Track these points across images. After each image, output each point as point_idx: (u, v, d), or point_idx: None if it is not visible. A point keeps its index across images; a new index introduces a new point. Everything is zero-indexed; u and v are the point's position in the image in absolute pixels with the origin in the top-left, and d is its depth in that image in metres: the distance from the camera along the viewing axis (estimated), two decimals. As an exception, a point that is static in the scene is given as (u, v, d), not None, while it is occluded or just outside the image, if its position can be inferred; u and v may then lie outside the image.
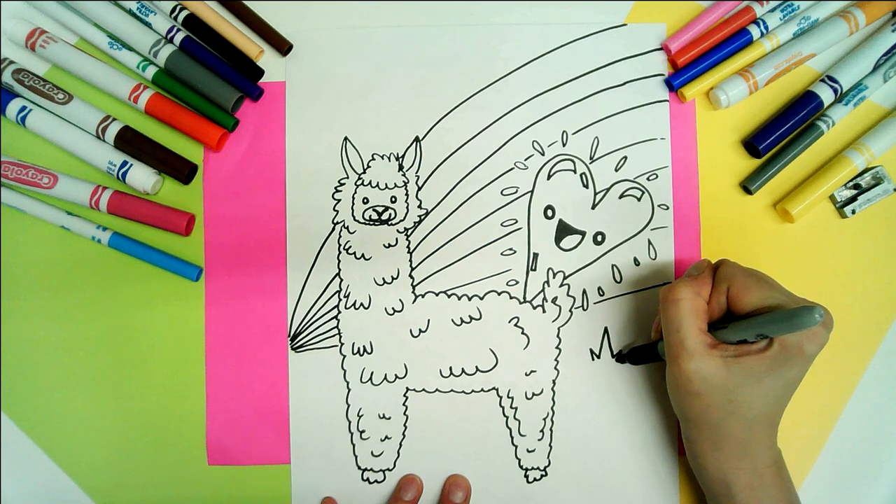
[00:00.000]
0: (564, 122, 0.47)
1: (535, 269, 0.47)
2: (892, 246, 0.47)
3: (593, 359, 0.46)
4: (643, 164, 0.47)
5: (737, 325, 0.37)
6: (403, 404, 0.46)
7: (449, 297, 0.46)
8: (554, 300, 0.46)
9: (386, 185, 0.47)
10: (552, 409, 0.46)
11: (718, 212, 0.47)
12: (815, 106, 0.46)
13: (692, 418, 0.39)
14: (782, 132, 0.46)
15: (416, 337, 0.46)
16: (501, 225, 0.47)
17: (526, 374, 0.46)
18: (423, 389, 0.46)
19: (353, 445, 0.46)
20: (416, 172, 0.47)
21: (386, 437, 0.46)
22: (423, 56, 0.48)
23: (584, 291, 0.47)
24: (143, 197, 0.47)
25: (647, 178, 0.47)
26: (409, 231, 0.47)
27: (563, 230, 0.47)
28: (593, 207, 0.47)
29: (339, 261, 0.47)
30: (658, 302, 0.40)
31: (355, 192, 0.47)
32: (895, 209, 0.47)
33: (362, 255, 0.46)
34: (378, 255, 0.46)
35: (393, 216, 0.47)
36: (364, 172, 0.47)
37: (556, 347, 0.46)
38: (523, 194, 0.47)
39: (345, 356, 0.46)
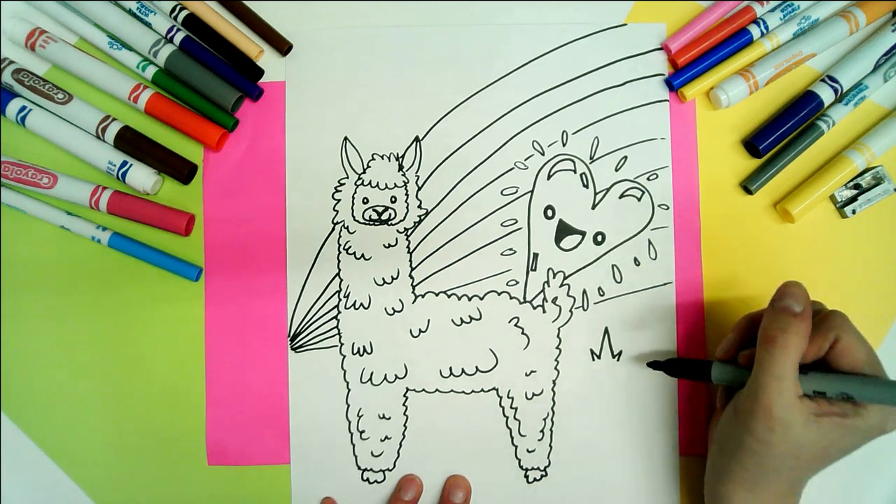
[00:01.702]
0: (564, 122, 0.47)
1: (535, 269, 0.47)
2: (892, 246, 0.47)
3: (593, 359, 0.46)
4: (643, 164, 0.47)
5: (823, 375, 0.35)
6: (403, 404, 0.46)
7: (449, 297, 0.46)
8: (554, 300, 0.46)
9: (386, 185, 0.47)
10: (552, 409, 0.46)
11: (718, 212, 0.47)
12: (816, 106, 0.46)
13: (742, 459, 0.37)
14: (782, 132, 0.46)
15: (416, 337, 0.46)
16: (501, 225, 0.47)
17: (526, 375, 0.46)
18: (423, 389, 0.46)
19: (353, 445, 0.46)
20: (416, 172, 0.47)
21: (386, 437, 0.46)
22: (423, 56, 0.48)
23: (584, 291, 0.47)
24: (142, 197, 0.47)
25: (647, 178, 0.47)
26: (409, 231, 0.47)
27: (563, 230, 0.47)
28: (593, 207, 0.47)
29: (339, 261, 0.47)
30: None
31: (355, 192, 0.47)
32: (895, 209, 0.47)
33: (362, 255, 0.46)
34: (378, 255, 0.46)
35: (393, 216, 0.47)
36: (364, 172, 0.47)
37: (556, 347, 0.46)
38: (523, 194, 0.47)
39: (345, 356, 0.46)
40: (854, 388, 0.35)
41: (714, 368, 0.40)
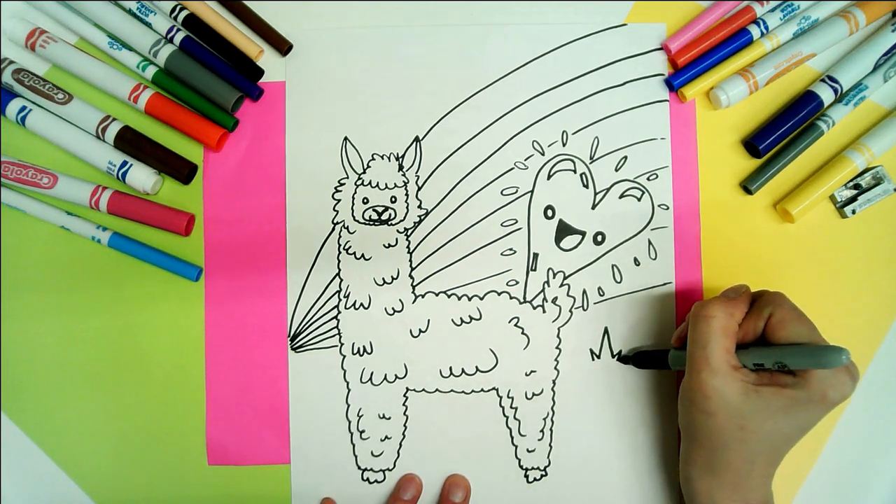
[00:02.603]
0: (564, 122, 0.47)
1: (535, 269, 0.47)
2: (892, 246, 0.47)
3: (593, 359, 0.46)
4: (643, 164, 0.47)
5: (759, 349, 0.37)
6: (403, 404, 0.46)
7: (449, 297, 0.46)
8: (554, 300, 0.46)
9: (386, 185, 0.47)
10: (552, 409, 0.46)
11: (718, 212, 0.47)
12: (816, 106, 0.46)
13: (697, 437, 0.39)
14: (782, 132, 0.46)
15: (416, 337, 0.46)
16: (501, 225, 0.47)
17: (526, 374, 0.46)
18: (423, 389, 0.46)
19: (353, 445, 0.46)
20: (416, 172, 0.47)
21: (386, 437, 0.46)
22: (423, 56, 0.48)
23: (584, 291, 0.47)
24: (143, 197, 0.47)
25: (647, 178, 0.47)
26: (409, 231, 0.47)
27: (563, 230, 0.47)
28: (593, 207, 0.47)
29: (339, 261, 0.47)
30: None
31: (355, 192, 0.47)
32: (895, 209, 0.47)
33: (362, 255, 0.46)
34: (378, 255, 0.46)
35: (393, 216, 0.47)
36: (364, 172, 0.47)
37: (556, 347, 0.46)
38: (523, 194, 0.47)
39: (345, 356, 0.46)
40: (786, 355, 0.36)
41: (670, 356, 0.42)
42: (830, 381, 0.36)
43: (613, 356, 0.46)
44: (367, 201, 0.47)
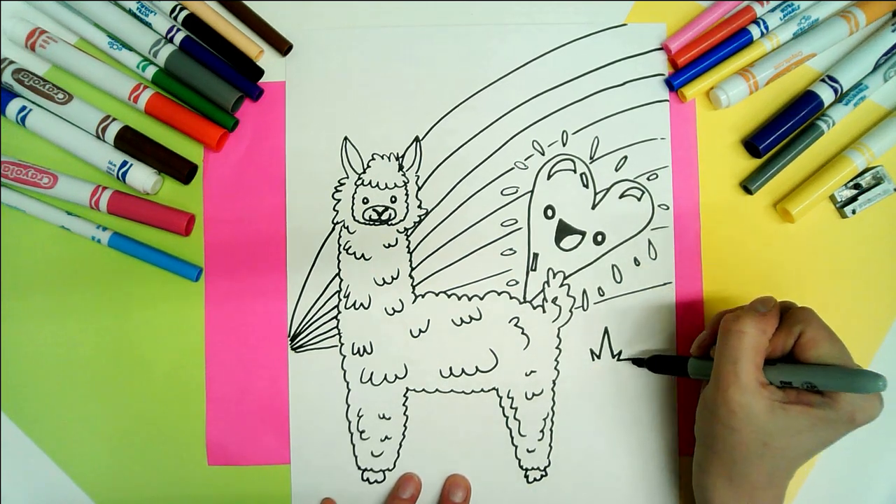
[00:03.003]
0: (564, 122, 0.47)
1: (535, 269, 0.47)
2: (892, 246, 0.47)
3: (593, 359, 0.46)
4: (643, 164, 0.47)
5: (787, 366, 0.37)
6: (403, 404, 0.46)
7: (449, 297, 0.46)
8: (554, 300, 0.46)
9: (386, 185, 0.47)
10: (552, 409, 0.46)
11: (718, 212, 0.47)
12: (816, 106, 0.46)
13: (718, 450, 0.38)
14: (782, 132, 0.46)
15: (416, 337, 0.46)
16: (501, 225, 0.47)
17: (526, 374, 0.46)
18: (423, 389, 0.46)
19: (353, 445, 0.46)
20: (416, 172, 0.47)
21: (386, 437, 0.46)
22: (423, 56, 0.48)
23: (584, 291, 0.47)
24: (143, 197, 0.47)
25: (647, 178, 0.47)
26: (409, 231, 0.47)
27: (563, 230, 0.47)
28: (593, 207, 0.47)
29: (339, 261, 0.47)
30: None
31: (355, 192, 0.47)
32: (895, 209, 0.47)
33: (362, 255, 0.46)
34: (378, 255, 0.46)
35: (393, 216, 0.47)
36: (364, 172, 0.47)
37: (556, 347, 0.46)
38: (523, 194, 0.47)
39: (345, 356, 0.46)
40: (817, 376, 0.35)
41: (690, 363, 0.42)
42: (860, 404, 0.35)
43: (614, 356, 0.46)
44: (367, 201, 0.47)
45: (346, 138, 0.47)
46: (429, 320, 0.46)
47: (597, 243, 0.47)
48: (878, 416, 0.36)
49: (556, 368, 0.46)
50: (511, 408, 0.46)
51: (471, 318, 0.46)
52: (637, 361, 0.46)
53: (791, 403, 0.36)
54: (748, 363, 0.37)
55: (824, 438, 0.37)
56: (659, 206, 0.47)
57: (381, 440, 0.46)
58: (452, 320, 0.46)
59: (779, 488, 0.38)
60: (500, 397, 0.46)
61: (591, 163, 0.47)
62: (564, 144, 0.47)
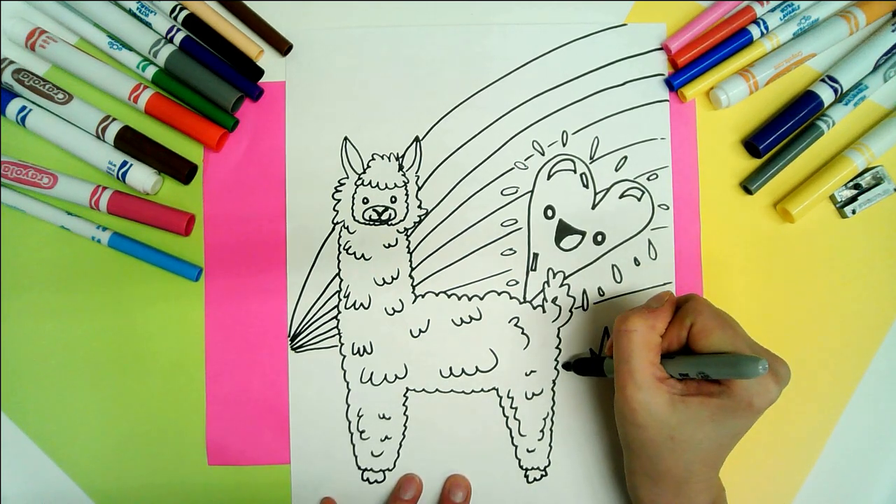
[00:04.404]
0: (564, 122, 0.47)
1: (535, 269, 0.47)
2: (892, 246, 0.47)
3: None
4: (643, 164, 0.47)
5: (682, 359, 0.37)
6: (403, 404, 0.46)
7: (449, 297, 0.46)
8: (554, 300, 0.46)
9: (386, 185, 0.47)
10: (552, 409, 0.46)
11: (718, 212, 0.47)
12: (816, 106, 0.46)
13: (633, 449, 0.39)
14: (782, 132, 0.46)
15: (416, 337, 0.46)
16: (501, 225, 0.47)
17: (526, 374, 0.46)
18: (423, 389, 0.46)
19: (353, 445, 0.46)
20: (416, 172, 0.47)
21: (386, 437, 0.46)
22: (423, 56, 0.48)
23: (584, 291, 0.47)
24: (143, 197, 0.47)
25: (647, 178, 0.47)
26: (409, 231, 0.47)
27: (563, 230, 0.47)
28: (593, 207, 0.47)
29: (339, 261, 0.47)
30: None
31: (355, 192, 0.47)
32: (895, 209, 0.47)
33: (362, 255, 0.46)
34: (378, 255, 0.46)
35: (393, 216, 0.47)
36: (364, 172, 0.47)
37: (556, 347, 0.46)
38: (523, 194, 0.47)
39: (345, 356, 0.46)
40: (708, 365, 0.35)
41: (605, 364, 0.42)
42: (755, 389, 0.35)
43: (561, 365, 0.46)
44: (367, 201, 0.47)
45: (346, 138, 0.47)
46: (429, 320, 0.46)
47: (597, 243, 0.47)
48: (777, 400, 0.35)
49: (556, 368, 0.46)
50: (511, 408, 0.46)
51: (471, 318, 0.46)
52: (566, 366, 0.46)
53: (691, 395, 0.36)
54: (640, 360, 0.37)
55: (731, 428, 0.36)
56: (659, 206, 0.47)
57: (381, 440, 0.46)
58: (452, 320, 0.46)
59: (704, 481, 0.38)
60: (500, 397, 0.46)
61: (591, 163, 0.47)
62: (564, 144, 0.47)
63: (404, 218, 0.47)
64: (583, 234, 0.47)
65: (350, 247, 0.47)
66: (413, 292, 0.46)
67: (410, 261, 0.47)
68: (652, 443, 0.37)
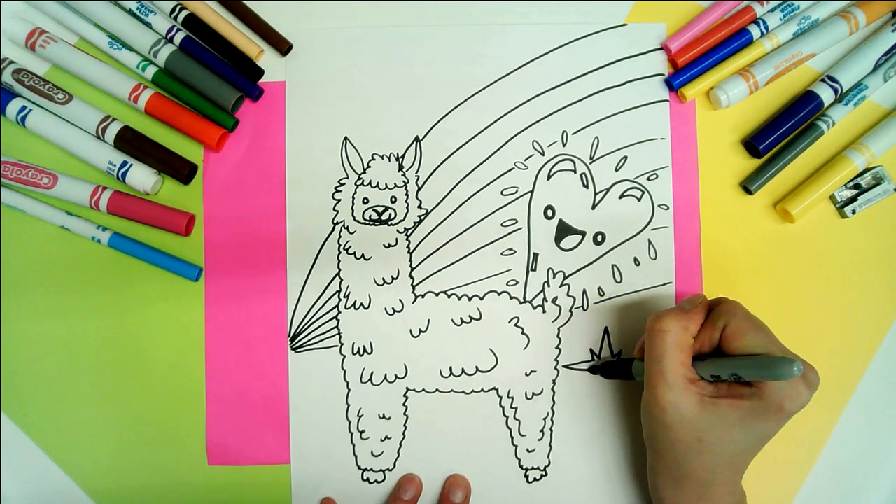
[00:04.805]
0: (564, 122, 0.47)
1: (535, 269, 0.47)
2: (892, 246, 0.47)
3: (593, 359, 0.46)
4: (643, 164, 0.47)
5: (715, 360, 0.37)
6: (403, 404, 0.46)
7: (449, 297, 0.46)
8: (554, 300, 0.46)
9: (386, 185, 0.47)
10: (552, 409, 0.46)
11: (718, 212, 0.47)
12: (816, 106, 0.46)
13: (659, 449, 0.39)
14: (782, 132, 0.46)
15: (416, 337, 0.46)
16: (501, 225, 0.47)
17: (526, 374, 0.46)
18: (423, 389, 0.46)
19: (353, 445, 0.46)
20: (416, 172, 0.47)
21: (386, 437, 0.46)
22: (423, 56, 0.48)
23: (584, 291, 0.47)
24: (143, 197, 0.47)
25: (647, 178, 0.47)
26: (409, 231, 0.47)
27: (563, 230, 0.47)
28: (593, 207, 0.47)
29: (339, 261, 0.47)
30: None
31: (355, 192, 0.47)
32: (895, 209, 0.47)
33: (362, 255, 0.46)
34: (378, 255, 0.46)
35: (393, 216, 0.47)
36: (364, 172, 0.47)
37: (556, 347, 0.46)
38: (523, 194, 0.47)
39: (345, 356, 0.46)
40: (740, 367, 0.36)
41: (634, 367, 0.42)
42: (787, 392, 0.35)
43: (614, 356, 0.46)
44: (367, 201, 0.47)
45: (346, 138, 0.47)
46: (429, 320, 0.46)
47: (597, 243, 0.47)
48: (808, 404, 0.36)
49: (556, 368, 0.46)
50: (511, 408, 0.46)
51: (471, 318, 0.46)
52: (592, 370, 0.46)
53: (721, 397, 0.36)
54: (672, 361, 0.37)
55: (759, 432, 0.37)
56: (659, 206, 0.47)
57: (381, 440, 0.46)
58: (452, 320, 0.46)
59: (727, 485, 0.38)
60: (500, 397, 0.46)
61: (591, 163, 0.47)
62: (564, 144, 0.47)
63: (404, 218, 0.47)
64: (583, 234, 0.47)
65: (350, 247, 0.47)
66: (413, 292, 0.46)
67: (410, 261, 0.47)
68: (679, 444, 0.37)
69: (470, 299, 0.46)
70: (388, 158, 0.47)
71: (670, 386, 0.37)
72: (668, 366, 0.37)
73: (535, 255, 0.47)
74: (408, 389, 0.46)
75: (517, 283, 0.47)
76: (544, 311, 0.46)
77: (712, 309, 0.39)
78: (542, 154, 0.47)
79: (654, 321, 0.39)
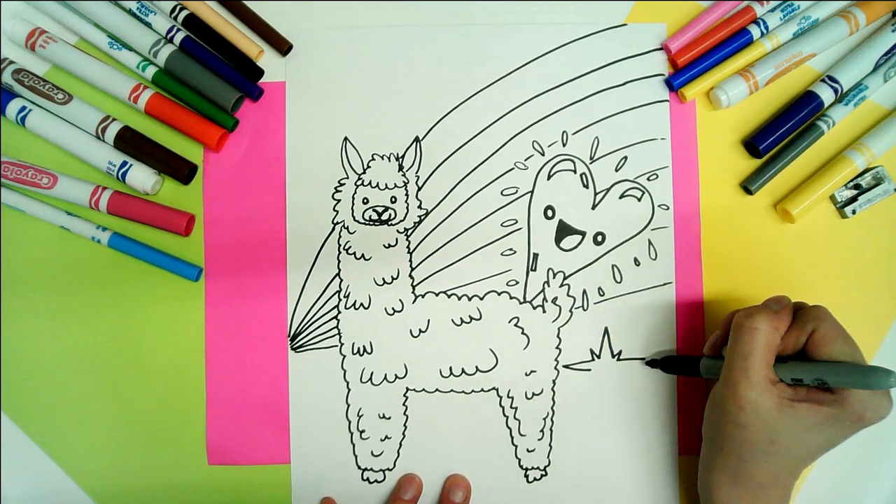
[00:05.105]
0: (564, 122, 0.47)
1: (535, 270, 0.47)
2: (892, 246, 0.47)
3: (593, 359, 0.46)
4: (643, 164, 0.47)
5: (800, 364, 0.37)
6: (403, 404, 0.46)
7: (449, 297, 0.46)
8: (554, 300, 0.46)
9: (386, 185, 0.47)
10: (552, 409, 0.46)
11: (719, 212, 0.47)
12: (816, 106, 0.46)
13: (724, 447, 0.38)
14: (782, 132, 0.46)
15: (416, 337, 0.46)
16: (501, 225, 0.47)
17: (526, 374, 0.46)
18: (423, 389, 0.46)
19: (353, 445, 0.46)
20: (416, 172, 0.47)
21: (386, 437, 0.46)
22: (423, 56, 0.48)
23: (584, 291, 0.47)
24: (142, 197, 0.47)
25: (647, 178, 0.47)
26: (409, 231, 0.47)
27: (563, 230, 0.47)
28: (593, 207, 0.47)
29: (339, 261, 0.47)
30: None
31: (355, 193, 0.47)
32: (895, 209, 0.47)
33: (362, 256, 0.46)
34: (378, 255, 0.46)
35: (393, 216, 0.47)
36: (364, 172, 0.47)
37: (556, 347, 0.46)
38: (523, 194, 0.47)
39: (345, 356, 0.46)
40: (828, 373, 0.35)
41: (702, 363, 0.42)
42: (869, 402, 0.35)
43: (614, 356, 0.46)
44: (367, 201, 0.47)
45: (346, 138, 0.47)
46: (429, 320, 0.46)
47: (597, 243, 0.47)
48: (887, 417, 0.36)
49: (556, 368, 0.46)
50: (511, 407, 0.46)
51: (471, 318, 0.46)
52: (651, 363, 0.46)
53: (800, 401, 0.36)
54: (759, 360, 0.37)
55: (831, 437, 0.36)
56: (659, 206, 0.47)
57: (381, 440, 0.46)
58: (452, 320, 0.46)
59: (784, 489, 0.38)
60: (500, 397, 0.46)
61: (591, 163, 0.47)
62: (564, 145, 0.47)
63: (404, 218, 0.47)
64: (583, 234, 0.47)
65: (350, 247, 0.47)
66: (413, 292, 0.46)
67: (410, 261, 0.47)
68: (749, 443, 0.37)
69: (470, 299, 0.46)
70: (388, 158, 0.47)
71: (753, 384, 0.36)
72: (754, 363, 0.37)
73: (535, 255, 0.47)
74: (408, 389, 0.46)
75: (517, 283, 0.47)
76: (544, 311, 0.46)
77: (796, 311, 0.39)
78: (542, 154, 0.47)
79: (745, 318, 0.38)
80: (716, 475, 0.39)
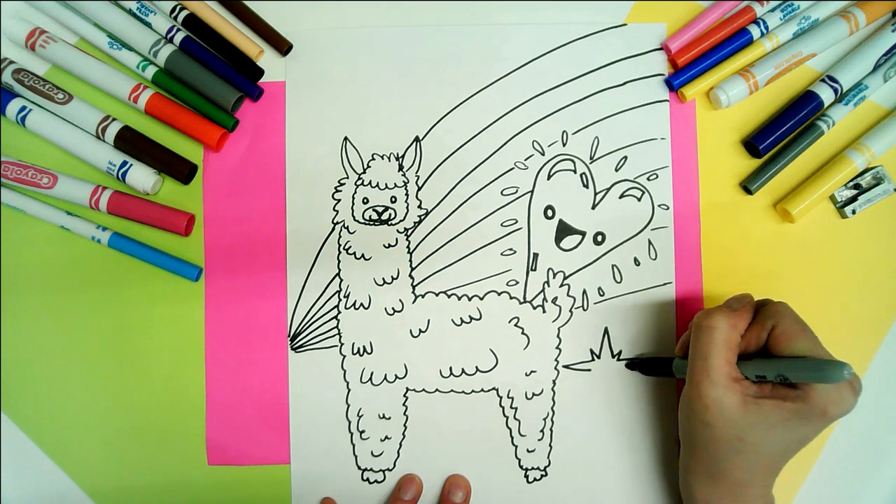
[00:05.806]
0: (564, 122, 0.47)
1: (535, 269, 0.47)
2: (892, 246, 0.47)
3: (593, 359, 0.46)
4: (643, 164, 0.47)
5: (761, 360, 0.37)
6: (403, 404, 0.46)
7: (449, 297, 0.46)
8: (554, 300, 0.46)
9: (386, 185, 0.47)
10: (552, 409, 0.46)
11: (718, 212, 0.47)
12: (816, 106, 0.46)
13: (696, 447, 0.39)
14: (782, 132, 0.46)
15: (416, 337, 0.46)
16: (501, 225, 0.47)
17: (526, 374, 0.46)
18: (423, 389, 0.46)
19: (353, 445, 0.46)
20: (416, 172, 0.47)
21: (386, 437, 0.46)
22: (423, 56, 0.48)
23: (584, 291, 0.47)
24: (142, 197, 0.47)
25: (647, 178, 0.47)
26: (409, 231, 0.47)
27: (563, 230, 0.47)
28: (593, 207, 0.47)
29: (339, 261, 0.47)
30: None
31: (355, 192, 0.47)
32: (895, 209, 0.47)
33: (362, 255, 0.46)
34: (378, 255, 0.46)
35: (393, 216, 0.47)
36: (364, 172, 0.47)
37: (556, 347, 0.46)
38: (523, 194, 0.47)
39: (345, 356, 0.46)
40: (788, 368, 0.36)
41: (674, 364, 0.42)
42: (832, 396, 0.35)
43: (614, 356, 0.46)
44: (367, 201, 0.47)
45: (346, 138, 0.47)
46: (429, 320, 0.46)
47: (597, 243, 0.47)
48: (852, 410, 0.36)
49: (556, 368, 0.46)
50: (511, 408, 0.46)
51: (471, 318, 0.46)
52: (630, 365, 0.46)
53: (765, 398, 0.36)
54: (718, 358, 0.37)
55: (800, 434, 0.36)
56: (659, 206, 0.47)
57: (381, 440, 0.46)
58: (452, 320, 0.46)
59: (761, 486, 0.38)
60: (500, 397, 0.46)
61: (591, 163, 0.47)
62: (564, 144, 0.47)
63: (404, 218, 0.47)
64: (583, 234, 0.47)
65: (350, 247, 0.47)
66: (413, 292, 0.46)
67: (410, 261, 0.47)
68: (718, 442, 0.37)
69: (470, 299, 0.46)
70: (388, 158, 0.47)
71: (714, 383, 0.37)
72: (713, 363, 0.37)
73: (535, 255, 0.47)
74: (408, 389, 0.46)
75: (517, 283, 0.47)
76: (544, 311, 0.46)
77: (758, 309, 0.39)
78: (542, 154, 0.47)
79: (702, 317, 0.39)
80: (693, 475, 0.40)
